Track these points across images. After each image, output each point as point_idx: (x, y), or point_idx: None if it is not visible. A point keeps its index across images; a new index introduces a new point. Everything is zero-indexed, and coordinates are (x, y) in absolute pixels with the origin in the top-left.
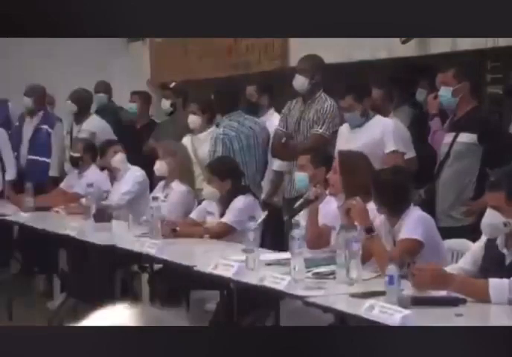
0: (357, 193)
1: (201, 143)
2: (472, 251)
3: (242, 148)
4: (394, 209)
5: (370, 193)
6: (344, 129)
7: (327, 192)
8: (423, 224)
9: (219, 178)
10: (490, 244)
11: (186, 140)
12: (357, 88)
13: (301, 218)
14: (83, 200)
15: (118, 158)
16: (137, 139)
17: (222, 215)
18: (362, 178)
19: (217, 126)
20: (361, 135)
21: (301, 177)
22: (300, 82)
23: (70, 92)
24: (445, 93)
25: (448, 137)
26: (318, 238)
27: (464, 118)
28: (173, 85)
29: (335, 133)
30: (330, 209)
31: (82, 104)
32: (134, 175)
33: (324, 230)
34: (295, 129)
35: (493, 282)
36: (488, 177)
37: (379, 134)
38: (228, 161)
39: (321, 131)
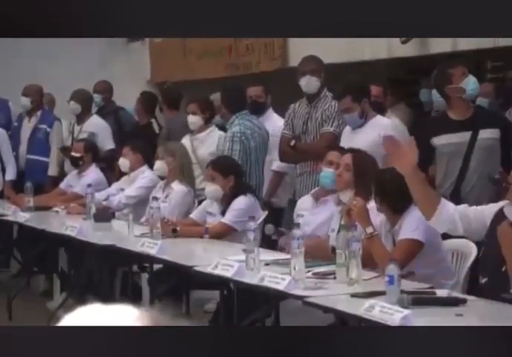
0: (367, 192)
1: (200, 144)
2: (488, 208)
3: (256, 146)
4: (395, 208)
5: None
6: (347, 129)
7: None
8: (424, 224)
9: (222, 175)
10: (500, 213)
11: (185, 141)
12: (355, 89)
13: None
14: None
15: (120, 162)
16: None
17: (223, 213)
18: (370, 177)
19: (217, 125)
20: (361, 136)
21: (328, 174)
22: (313, 83)
23: (71, 92)
24: (476, 82)
25: (458, 137)
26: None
27: (479, 115)
28: (166, 86)
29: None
30: (324, 215)
31: (85, 104)
32: (140, 181)
33: (323, 242)
34: (302, 130)
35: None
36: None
37: (378, 135)
38: (231, 159)
39: (332, 129)
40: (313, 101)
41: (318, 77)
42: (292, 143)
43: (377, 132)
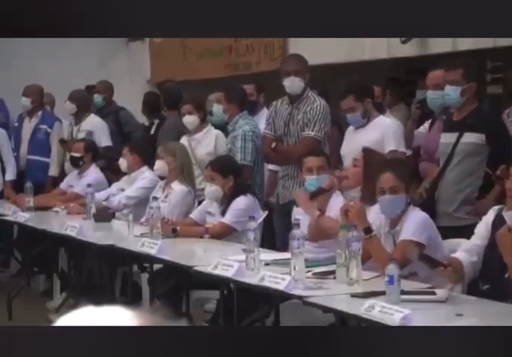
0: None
1: (198, 144)
2: (482, 224)
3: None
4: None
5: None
6: (350, 129)
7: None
8: (425, 225)
9: (221, 175)
10: (499, 219)
11: (183, 142)
12: (358, 88)
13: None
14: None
15: (120, 163)
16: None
17: (223, 213)
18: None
19: (212, 124)
20: (362, 136)
21: (312, 181)
22: (297, 83)
23: (69, 93)
24: (452, 92)
25: (448, 137)
26: (320, 230)
27: (469, 118)
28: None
29: (326, 134)
30: (337, 204)
31: (81, 104)
32: (140, 181)
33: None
34: (284, 132)
35: None
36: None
37: (380, 135)
38: (230, 159)
39: (312, 133)
40: (295, 102)
41: (302, 78)
42: (273, 145)
43: (380, 132)
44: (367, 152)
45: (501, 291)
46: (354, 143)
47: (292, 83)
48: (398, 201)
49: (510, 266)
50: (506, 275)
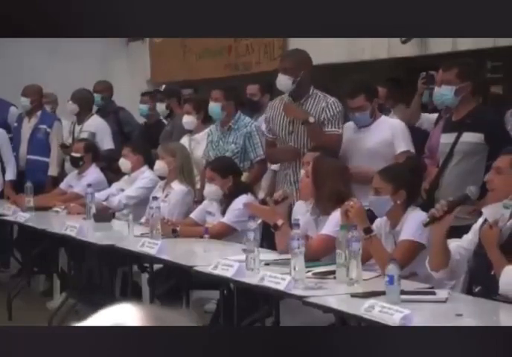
0: (328, 199)
1: (197, 144)
2: (471, 231)
3: None
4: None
5: (342, 200)
6: (350, 128)
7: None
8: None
9: (220, 176)
10: (485, 222)
11: (184, 141)
12: (368, 88)
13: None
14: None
15: (120, 163)
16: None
17: (223, 213)
18: (333, 184)
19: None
20: (370, 135)
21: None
22: (283, 82)
23: (71, 92)
24: (447, 92)
25: (447, 137)
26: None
27: (468, 118)
28: (163, 87)
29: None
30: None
31: (83, 104)
32: (140, 181)
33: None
34: (289, 131)
35: None
36: None
37: (390, 135)
38: (229, 159)
39: (340, 131)
40: (301, 99)
41: (292, 76)
42: (312, 120)
43: (389, 132)
44: (316, 160)
45: (490, 288)
46: (359, 142)
47: (279, 81)
48: (380, 201)
49: (495, 262)
50: (492, 272)
